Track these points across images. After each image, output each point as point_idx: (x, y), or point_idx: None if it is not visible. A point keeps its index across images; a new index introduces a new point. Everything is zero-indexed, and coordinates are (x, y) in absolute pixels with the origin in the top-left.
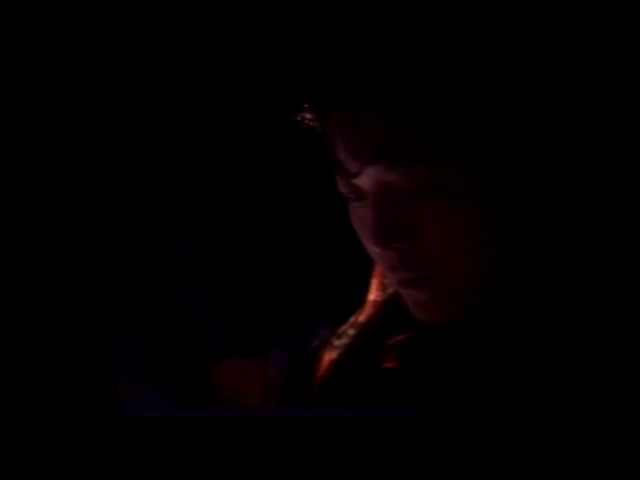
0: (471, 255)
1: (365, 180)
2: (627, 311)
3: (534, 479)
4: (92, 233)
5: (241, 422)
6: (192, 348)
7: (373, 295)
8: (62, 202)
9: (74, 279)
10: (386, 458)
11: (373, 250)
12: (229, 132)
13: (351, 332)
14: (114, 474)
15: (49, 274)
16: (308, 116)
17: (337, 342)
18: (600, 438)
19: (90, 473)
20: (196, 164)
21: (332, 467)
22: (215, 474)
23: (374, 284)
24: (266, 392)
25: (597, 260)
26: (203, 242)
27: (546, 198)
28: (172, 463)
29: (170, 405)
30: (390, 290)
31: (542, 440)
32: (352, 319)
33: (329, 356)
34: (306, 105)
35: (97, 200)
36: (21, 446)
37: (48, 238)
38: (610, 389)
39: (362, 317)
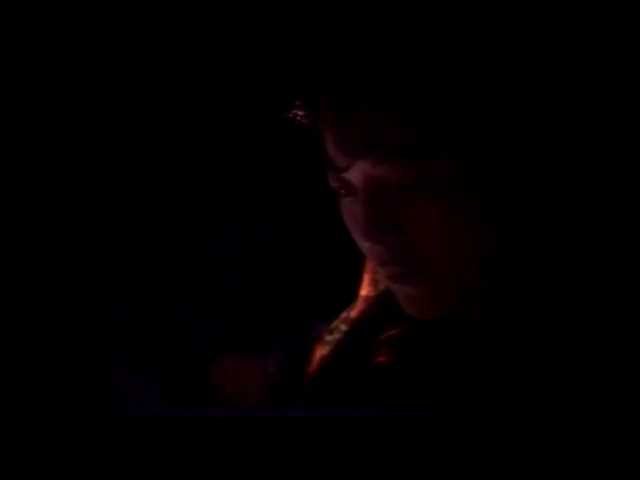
0: (461, 250)
1: (354, 175)
2: (622, 304)
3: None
4: (92, 232)
5: (238, 422)
6: (191, 346)
7: (365, 291)
8: (62, 201)
9: (74, 278)
10: (378, 457)
11: (363, 245)
12: (222, 130)
13: (343, 328)
14: (113, 474)
15: (49, 273)
16: (300, 113)
17: (329, 337)
18: (597, 435)
19: (89, 473)
20: (193, 163)
21: (332, 467)
22: (213, 474)
23: (366, 280)
24: (265, 389)
25: (589, 254)
26: (202, 242)
27: (536, 192)
28: (170, 463)
29: (169, 404)
30: (382, 286)
31: (535, 438)
32: (344, 314)
33: (320, 351)
34: (297, 102)
35: (97, 200)
36: (20, 445)
37: (48, 237)
38: (606, 386)
39: (354, 313)
